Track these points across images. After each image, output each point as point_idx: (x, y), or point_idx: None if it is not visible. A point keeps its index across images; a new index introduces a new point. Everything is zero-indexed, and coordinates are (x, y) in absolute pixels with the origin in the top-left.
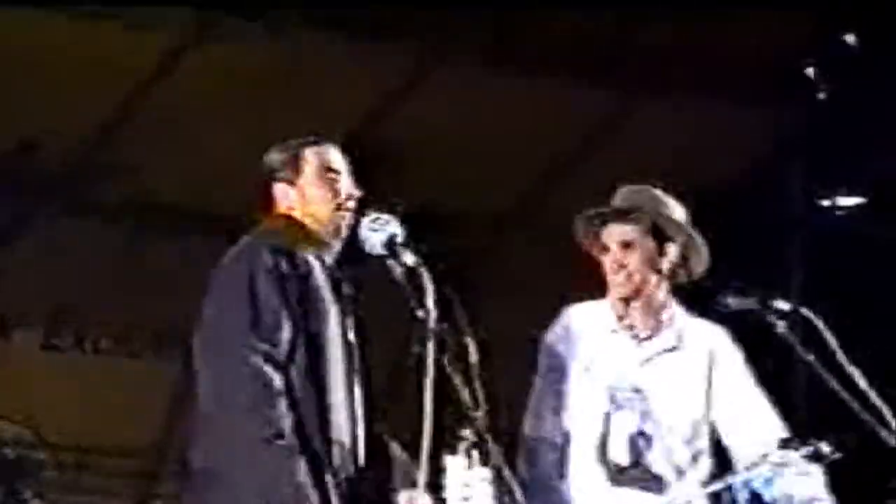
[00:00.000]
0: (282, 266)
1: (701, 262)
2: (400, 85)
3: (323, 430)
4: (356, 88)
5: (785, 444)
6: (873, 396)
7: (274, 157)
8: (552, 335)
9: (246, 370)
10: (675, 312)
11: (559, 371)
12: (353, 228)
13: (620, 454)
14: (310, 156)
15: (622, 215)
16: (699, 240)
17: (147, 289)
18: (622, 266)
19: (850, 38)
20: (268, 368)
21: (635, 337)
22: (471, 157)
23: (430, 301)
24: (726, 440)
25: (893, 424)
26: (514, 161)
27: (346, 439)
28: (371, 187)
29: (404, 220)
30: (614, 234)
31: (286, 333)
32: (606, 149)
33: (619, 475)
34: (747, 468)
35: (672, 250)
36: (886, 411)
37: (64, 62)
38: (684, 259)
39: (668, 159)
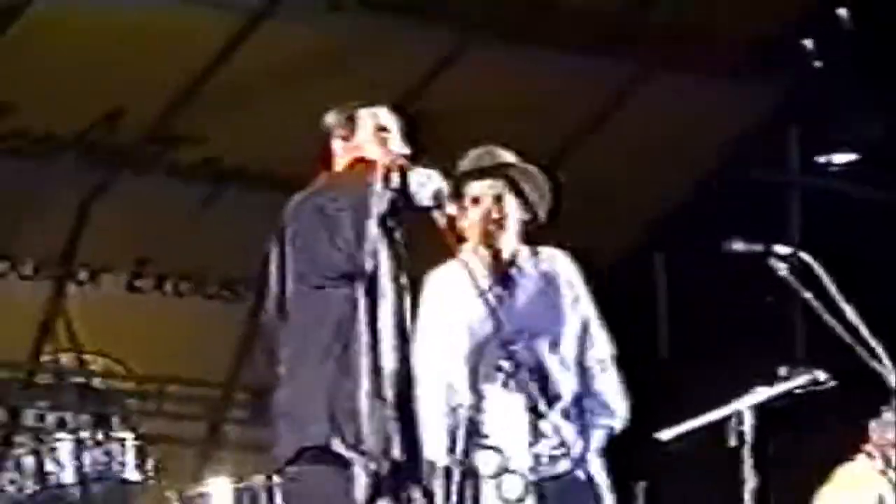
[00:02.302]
0: (341, 206)
1: (544, 214)
2: (441, 59)
3: (375, 358)
4: (403, 63)
5: (790, 372)
6: (864, 330)
7: (332, 117)
8: (429, 297)
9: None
10: (529, 252)
11: (445, 327)
12: (402, 182)
13: (525, 385)
14: (365, 116)
15: (489, 171)
16: (548, 194)
17: (218, 239)
18: (491, 215)
19: (842, 13)
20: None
21: (505, 282)
22: (502, 124)
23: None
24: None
25: (882, 355)
26: (538, 128)
27: (395, 365)
28: (418, 148)
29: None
30: (486, 188)
31: (343, 271)
32: (621, 117)
33: (528, 403)
34: (757, 392)
35: (529, 204)
36: (875, 343)
37: (143, 41)
38: (534, 211)
39: (679, 126)
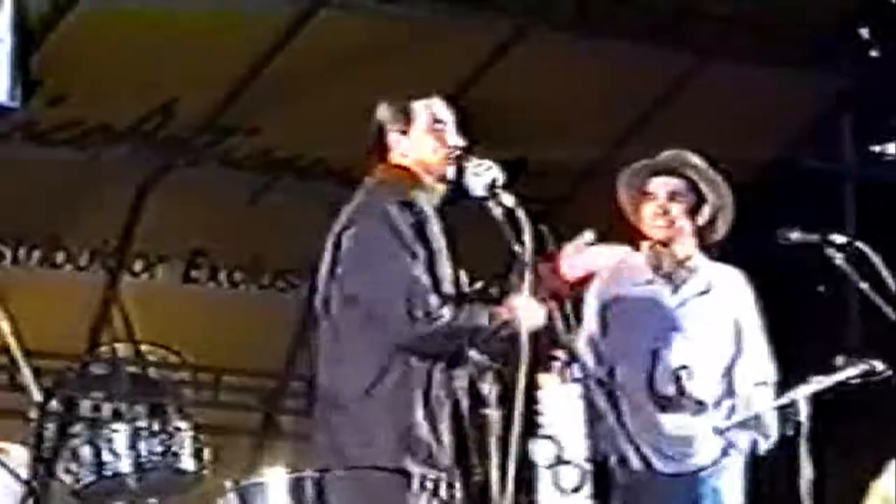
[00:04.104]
0: (407, 216)
1: (725, 227)
2: (496, 48)
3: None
4: (457, 53)
5: (846, 362)
6: None
7: (387, 109)
8: (595, 287)
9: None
10: (702, 261)
11: (605, 319)
12: (457, 173)
13: (666, 386)
14: (420, 108)
15: (671, 170)
16: (730, 206)
17: (272, 230)
18: (666, 212)
19: None
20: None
21: (671, 283)
22: (557, 115)
23: (526, 237)
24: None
25: None
26: (594, 118)
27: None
28: (471, 139)
29: (502, 168)
30: (663, 184)
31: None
32: (677, 107)
33: (665, 403)
34: (813, 382)
35: (707, 209)
36: None
37: (197, 31)
38: (713, 220)
39: (734, 115)
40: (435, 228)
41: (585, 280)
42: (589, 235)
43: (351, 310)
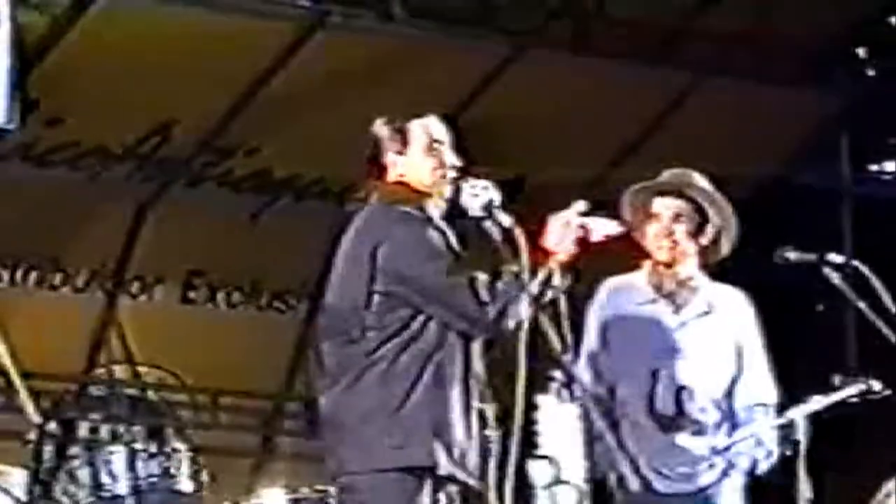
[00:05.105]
0: (430, 224)
1: (728, 247)
2: (492, 69)
3: (466, 376)
4: (456, 72)
5: (844, 381)
6: None
7: (384, 129)
8: (596, 306)
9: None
10: (704, 281)
11: (606, 338)
12: (455, 193)
13: (666, 406)
14: (417, 128)
15: (675, 190)
16: (734, 227)
17: (270, 250)
18: (670, 234)
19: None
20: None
21: (672, 304)
22: (556, 134)
23: (524, 257)
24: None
25: None
26: (593, 137)
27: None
28: (470, 159)
29: (499, 187)
30: (667, 205)
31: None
32: (676, 125)
33: (666, 423)
34: (811, 402)
35: (710, 230)
36: None
37: (194, 53)
38: (715, 241)
39: (731, 133)
40: (452, 239)
41: (584, 251)
42: (582, 205)
43: (389, 324)
